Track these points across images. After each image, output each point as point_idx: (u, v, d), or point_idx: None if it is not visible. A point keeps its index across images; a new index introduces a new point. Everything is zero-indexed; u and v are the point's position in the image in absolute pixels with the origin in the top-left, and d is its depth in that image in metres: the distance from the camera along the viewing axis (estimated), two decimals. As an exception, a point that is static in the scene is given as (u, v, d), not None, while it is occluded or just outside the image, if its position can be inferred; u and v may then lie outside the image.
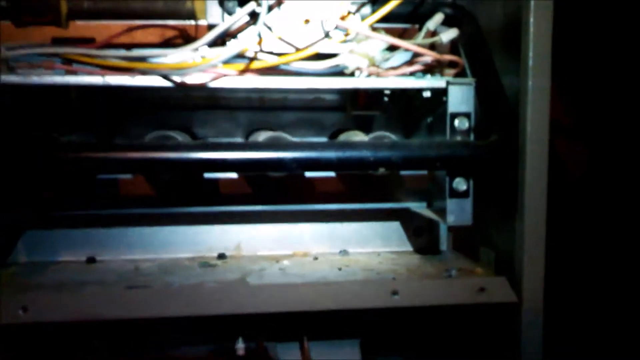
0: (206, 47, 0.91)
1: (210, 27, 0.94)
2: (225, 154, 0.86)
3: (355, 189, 1.21)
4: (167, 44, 1.12)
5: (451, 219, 0.95)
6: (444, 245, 1.22)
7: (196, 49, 0.90)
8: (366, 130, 1.14)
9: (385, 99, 1.09)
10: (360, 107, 1.12)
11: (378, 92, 1.08)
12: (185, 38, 1.10)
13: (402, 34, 1.14)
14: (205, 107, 1.14)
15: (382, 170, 0.89)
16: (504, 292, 0.93)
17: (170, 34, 1.11)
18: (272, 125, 1.15)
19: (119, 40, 1.03)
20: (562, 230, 1.37)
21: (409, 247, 1.22)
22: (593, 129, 1.45)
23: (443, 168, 0.94)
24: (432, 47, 1.05)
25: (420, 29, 1.01)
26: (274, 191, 1.18)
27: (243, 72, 0.92)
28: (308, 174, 1.13)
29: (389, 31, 0.99)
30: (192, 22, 1.03)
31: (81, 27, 1.08)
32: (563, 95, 1.41)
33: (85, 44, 0.96)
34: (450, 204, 0.95)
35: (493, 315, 0.99)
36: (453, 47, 1.09)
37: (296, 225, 1.20)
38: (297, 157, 0.86)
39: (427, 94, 0.99)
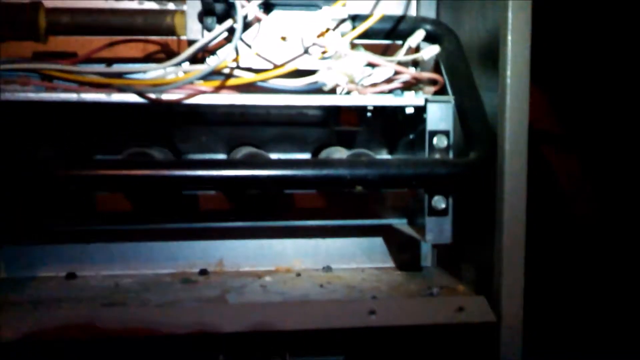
0: (187, 63, 0.91)
1: (191, 43, 0.93)
2: (201, 172, 0.85)
3: (339, 205, 1.20)
4: (149, 58, 1.12)
5: (430, 237, 0.94)
6: (427, 261, 1.22)
7: (174, 65, 0.89)
8: (349, 145, 1.13)
9: (368, 114, 1.09)
10: (343, 123, 1.11)
11: (360, 108, 1.07)
12: (167, 53, 1.10)
13: (386, 50, 1.14)
14: (187, 122, 1.13)
15: (359, 188, 0.89)
16: (482, 311, 0.92)
17: (152, 48, 1.11)
18: (255, 141, 1.14)
19: (100, 55, 1.03)
20: (554, 241, 1.37)
21: (392, 264, 1.22)
22: (585, 139, 1.44)
23: (420, 186, 0.94)
24: (415, 63, 1.05)
25: (402, 46, 1.01)
26: (257, 207, 1.17)
27: (220, 88, 0.91)
28: (290, 190, 1.14)
29: (371, 47, 0.99)
30: (174, 37, 1.03)
31: (63, 41, 1.08)
32: (554, 106, 1.41)
33: (66, 58, 0.95)
34: (429, 222, 0.94)
35: (472, 334, 0.98)
36: (436, 63, 1.09)
37: (279, 241, 1.19)
38: (273, 175, 0.86)
39: (410, 110, 0.99)
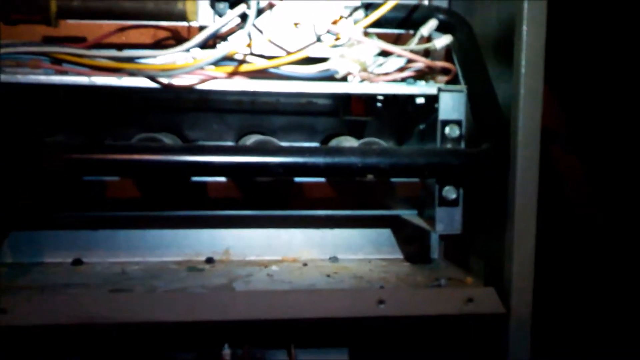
0: (198, 48, 0.90)
1: (202, 28, 0.92)
2: (211, 158, 0.84)
3: (347, 195, 1.20)
4: (159, 44, 1.11)
5: (440, 227, 0.94)
6: (435, 253, 1.21)
7: (185, 51, 0.89)
8: (359, 135, 1.13)
9: (378, 104, 1.08)
10: (353, 112, 1.10)
11: (371, 98, 1.07)
12: (177, 39, 1.10)
13: (397, 40, 1.13)
14: (196, 109, 1.13)
15: (370, 177, 0.88)
16: (491, 302, 0.92)
17: (162, 34, 1.10)
18: (264, 129, 1.14)
19: (110, 40, 1.03)
20: (556, 239, 1.36)
21: (400, 255, 1.21)
22: (589, 137, 1.44)
23: (432, 176, 0.93)
24: (427, 53, 1.04)
25: (414, 35, 1.00)
26: (264, 196, 1.16)
27: (232, 74, 0.91)
28: (298, 179, 1.13)
29: (383, 36, 0.98)
30: (185, 24, 1.02)
31: (74, 26, 1.08)
32: (559, 103, 1.40)
33: (76, 43, 0.95)
34: (440, 212, 0.94)
35: (481, 326, 0.97)
36: (448, 53, 1.08)
37: (286, 230, 1.19)
38: (283, 162, 0.85)
39: (420, 100, 0.98)
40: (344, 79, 0.95)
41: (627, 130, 1.42)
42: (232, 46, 0.89)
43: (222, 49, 0.88)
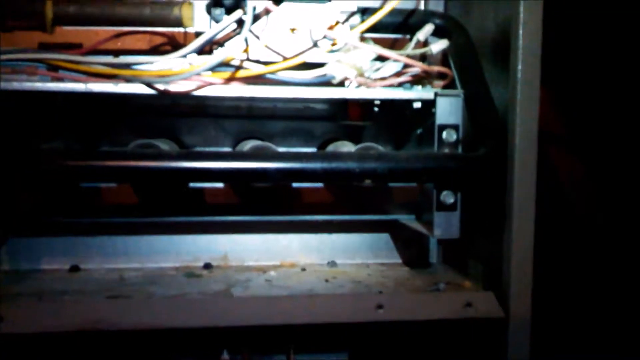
0: (194, 54, 0.90)
1: (198, 34, 0.92)
2: (209, 164, 0.84)
3: (345, 200, 1.20)
4: (156, 50, 1.11)
5: (438, 232, 0.94)
6: (433, 257, 1.21)
7: (181, 57, 0.89)
8: (356, 140, 1.12)
9: (376, 109, 1.08)
10: (350, 117, 1.11)
11: (368, 103, 1.07)
12: (173, 45, 1.09)
13: (393, 45, 1.14)
14: (193, 114, 1.12)
15: (368, 182, 0.88)
16: (490, 307, 0.92)
17: (158, 40, 1.10)
18: (261, 134, 1.14)
19: (106, 47, 1.02)
20: (556, 239, 1.36)
21: (398, 260, 1.21)
22: (588, 137, 1.44)
23: (430, 181, 0.93)
24: (423, 58, 1.04)
25: (410, 40, 1.00)
26: (262, 201, 1.16)
27: (228, 80, 0.91)
28: (296, 184, 1.13)
29: (380, 41, 0.98)
30: (181, 29, 1.02)
31: (70, 32, 1.08)
32: (558, 103, 1.40)
33: (72, 49, 0.95)
34: (438, 217, 0.94)
35: (480, 330, 0.97)
36: (444, 58, 1.08)
37: (284, 235, 1.18)
38: (281, 168, 0.85)
39: (417, 105, 0.98)
40: (340, 84, 0.95)
41: (627, 129, 1.42)
42: (228, 52, 0.90)
43: (218, 55, 0.88)
